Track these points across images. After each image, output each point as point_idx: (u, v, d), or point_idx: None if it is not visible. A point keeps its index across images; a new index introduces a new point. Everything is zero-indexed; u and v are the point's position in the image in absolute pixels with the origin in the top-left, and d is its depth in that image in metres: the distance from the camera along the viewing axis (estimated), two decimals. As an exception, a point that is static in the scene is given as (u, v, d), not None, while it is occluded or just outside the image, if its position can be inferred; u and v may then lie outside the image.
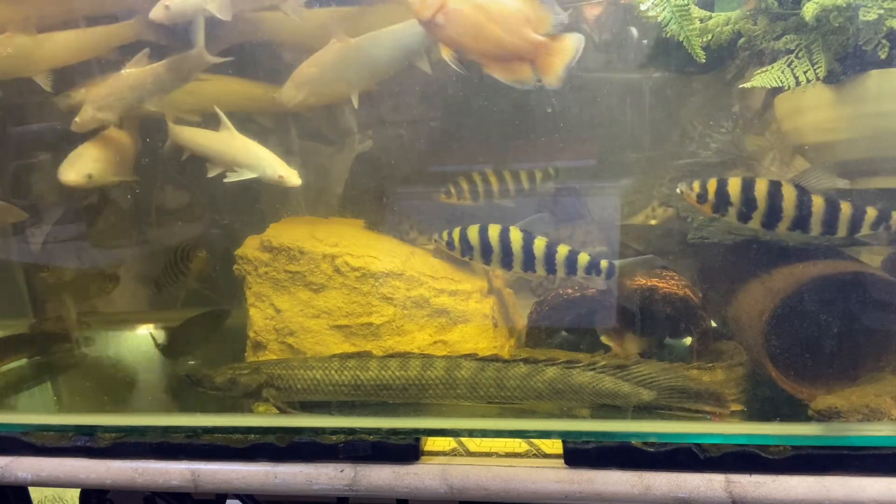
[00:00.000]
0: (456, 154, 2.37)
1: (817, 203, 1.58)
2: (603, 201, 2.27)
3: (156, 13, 1.90)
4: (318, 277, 2.00)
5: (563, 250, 1.81)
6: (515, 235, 1.83)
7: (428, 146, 2.39)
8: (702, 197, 1.63)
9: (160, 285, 2.56)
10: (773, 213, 1.59)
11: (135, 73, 2.06)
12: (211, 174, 2.09)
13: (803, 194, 1.58)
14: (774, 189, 1.59)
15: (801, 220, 1.59)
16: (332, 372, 1.77)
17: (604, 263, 1.79)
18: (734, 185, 1.61)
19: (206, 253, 2.41)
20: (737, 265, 1.96)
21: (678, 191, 1.66)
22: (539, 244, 1.82)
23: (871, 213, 1.59)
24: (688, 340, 2.03)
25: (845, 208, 1.58)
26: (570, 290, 1.97)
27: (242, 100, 2.33)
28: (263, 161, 2.05)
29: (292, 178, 2.03)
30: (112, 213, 2.57)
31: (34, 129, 2.44)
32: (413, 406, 1.76)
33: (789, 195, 1.58)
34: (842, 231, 1.60)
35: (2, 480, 1.66)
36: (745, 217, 1.62)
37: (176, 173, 2.51)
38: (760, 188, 1.59)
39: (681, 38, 1.67)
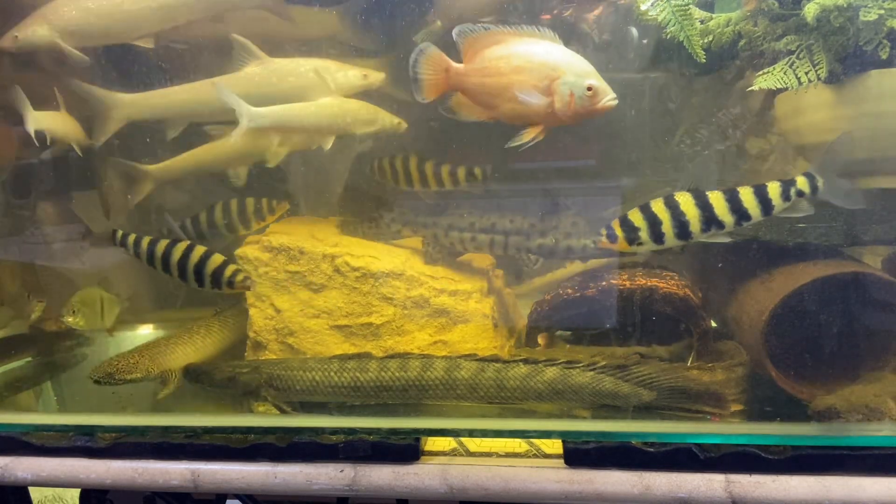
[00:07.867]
0: (455, 153, 2.36)
1: (715, 198, 1.58)
2: (604, 201, 2.26)
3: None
4: (318, 277, 2.00)
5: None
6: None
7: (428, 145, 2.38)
8: (612, 237, 1.63)
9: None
10: (681, 225, 1.60)
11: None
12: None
13: (699, 196, 1.58)
14: (672, 203, 1.60)
15: (710, 220, 1.59)
16: (332, 373, 1.77)
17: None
18: (635, 215, 1.62)
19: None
20: (737, 265, 1.96)
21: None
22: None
23: (773, 186, 1.58)
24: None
25: (745, 193, 1.58)
26: (569, 290, 1.97)
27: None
28: (379, 113, 1.99)
29: (403, 123, 2.01)
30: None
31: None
32: (413, 406, 1.76)
33: (686, 202, 1.59)
34: (755, 214, 1.58)
35: (2, 480, 1.65)
36: (658, 238, 1.61)
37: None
38: (658, 207, 1.60)
39: (681, 39, 1.67)
